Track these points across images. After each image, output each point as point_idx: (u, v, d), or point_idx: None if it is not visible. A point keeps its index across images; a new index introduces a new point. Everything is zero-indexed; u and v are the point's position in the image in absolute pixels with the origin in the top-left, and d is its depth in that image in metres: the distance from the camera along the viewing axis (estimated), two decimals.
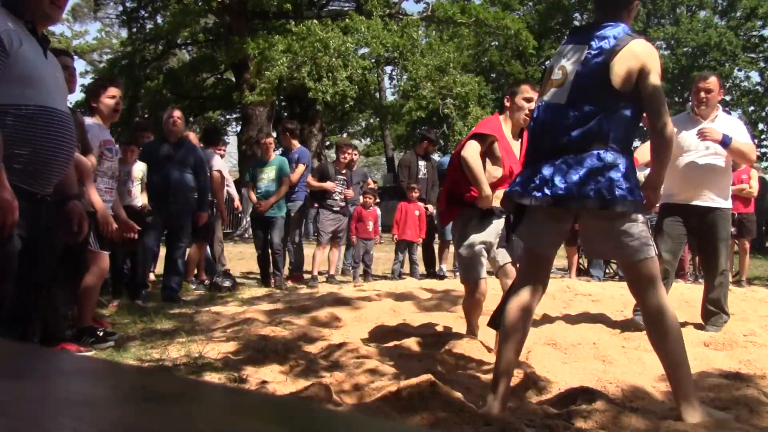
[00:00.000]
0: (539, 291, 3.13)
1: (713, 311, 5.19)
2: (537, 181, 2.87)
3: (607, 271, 10.38)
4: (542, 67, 34.09)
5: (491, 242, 4.37)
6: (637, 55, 2.83)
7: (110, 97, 4.83)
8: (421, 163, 9.70)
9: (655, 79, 2.83)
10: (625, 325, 5.27)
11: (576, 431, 2.60)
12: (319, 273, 8.85)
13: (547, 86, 3.05)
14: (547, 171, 2.86)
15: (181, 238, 6.84)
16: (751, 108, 29.46)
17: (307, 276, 8.86)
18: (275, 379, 3.50)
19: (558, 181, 2.81)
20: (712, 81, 5.33)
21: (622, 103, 2.86)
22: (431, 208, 9.58)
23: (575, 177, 2.79)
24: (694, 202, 5.10)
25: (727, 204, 5.24)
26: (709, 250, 5.23)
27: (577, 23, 32.57)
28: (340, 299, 6.12)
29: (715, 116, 5.27)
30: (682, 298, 6.99)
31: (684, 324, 5.28)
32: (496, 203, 4.06)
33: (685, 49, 27.88)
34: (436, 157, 11.99)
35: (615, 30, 2.91)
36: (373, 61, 17.14)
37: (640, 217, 2.87)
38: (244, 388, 3.32)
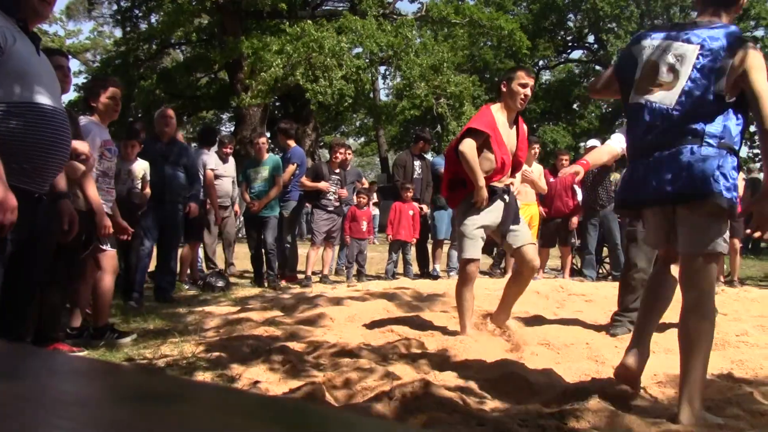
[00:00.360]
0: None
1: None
2: (647, 183, 2.92)
3: (600, 271, 10.39)
4: (536, 67, 34.21)
5: (490, 225, 4.55)
6: (746, 59, 2.81)
7: (110, 97, 4.82)
8: (416, 163, 9.70)
9: (762, 82, 2.79)
10: None
11: (569, 431, 2.60)
12: (313, 273, 8.84)
13: (653, 85, 2.98)
14: (655, 172, 2.88)
15: (174, 237, 6.83)
16: None
17: (300, 276, 8.87)
18: (268, 379, 3.50)
19: (667, 179, 2.83)
20: None
21: (721, 106, 2.84)
22: (426, 208, 9.58)
23: (680, 174, 2.80)
24: None
25: None
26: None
27: (570, 24, 32.66)
28: (334, 299, 6.11)
29: None
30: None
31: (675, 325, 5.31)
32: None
33: None
34: (429, 156, 11.96)
35: (726, 31, 2.89)
36: (367, 60, 17.14)
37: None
38: (238, 387, 3.32)
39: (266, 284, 8.17)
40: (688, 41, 2.93)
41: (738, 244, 9.80)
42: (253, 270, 8.63)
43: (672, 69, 2.93)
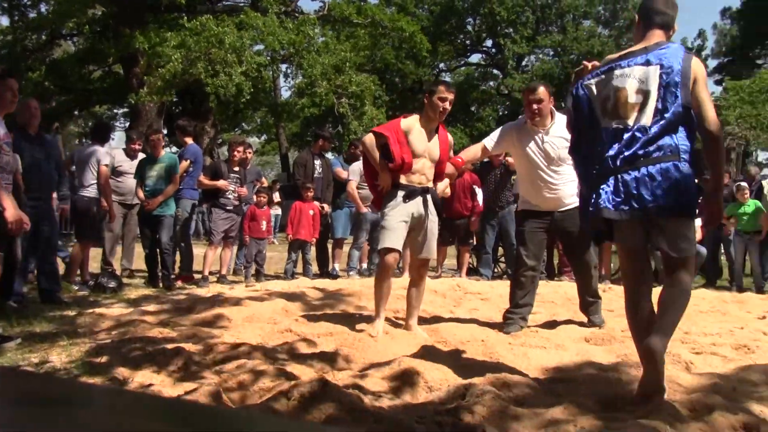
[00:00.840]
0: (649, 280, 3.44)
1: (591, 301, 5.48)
2: (623, 196, 3.15)
3: (495, 270, 10.66)
4: (436, 69, 34.75)
5: (409, 221, 4.89)
6: (696, 70, 3.14)
7: (8, 90, 4.59)
8: (317, 162, 9.69)
9: (706, 90, 3.21)
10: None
11: (464, 426, 2.66)
12: (210, 273, 8.69)
13: (625, 109, 3.22)
14: (631, 185, 3.13)
15: (52, 234, 6.54)
16: None
17: (197, 276, 8.69)
18: (162, 382, 3.42)
19: (645, 194, 3.10)
20: (542, 91, 5.58)
21: (689, 117, 3.15)
22: (327, 208, 9.58)
23: (659, 189, 3.08)
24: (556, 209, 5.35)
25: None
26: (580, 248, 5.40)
27: (469, 28, 33.32)
28: (231, 299, 6.03)
29: (551, 124, 5.49)
30: (566, 296, 7.30)
31: (569, 321, 5.53)
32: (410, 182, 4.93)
33: (570, 57, 29.00)
34: (330, 156, 11.99)
35: (677, 48, 3.22)
36: (268, 57, 16.96)
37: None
38: (130, 390, 3.23)
39: (161, 285, 7.97)
40: (648, 63, 3.20)
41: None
42: (147, 270, 8.40)
43: (640, 91, 3.19)
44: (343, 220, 9.71)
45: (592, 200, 3.28)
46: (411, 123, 4.96)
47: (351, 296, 6.56)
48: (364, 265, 9.86)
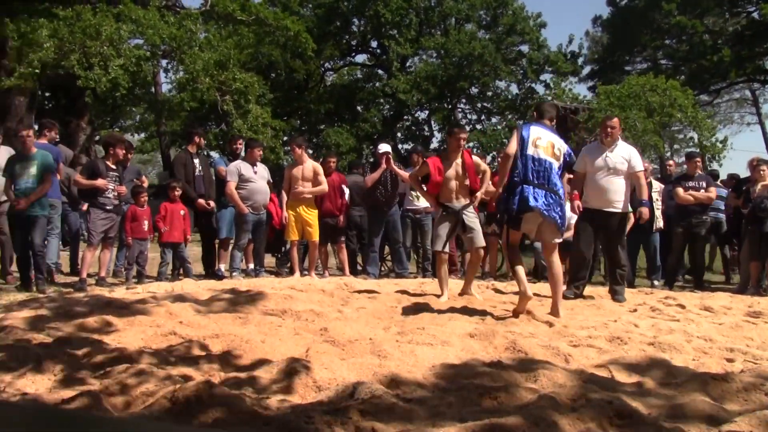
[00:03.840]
0: None
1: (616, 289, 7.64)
2: (539, 200, 5.72)
3: (382, 269, 10.79)
4: (321, 68, 34.69)
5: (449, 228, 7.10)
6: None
7: None
8: (196, 161, 9.50)
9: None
10: (399, 320, 5.53)
11: (354, 425, 2.68)
12: (88, 275, 8.34)
13: (545, 149, 5.82)
14: (543, 196, 5.74)
15: None
16: (510, 116, 32.01)
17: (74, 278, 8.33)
18: (38, 389, 3.26)
19: (546, 202, 5.74)
20: (615, 120, 7.78)
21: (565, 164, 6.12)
22: (212, 204, 9.41)
23: (552, 200, 5.77)
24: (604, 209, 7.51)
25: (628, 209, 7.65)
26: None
27: (354, 29, 33.54)
28: (112, 302, 5.83)
29: (618, 145, 7.56)
30: (454, 291, 7.48)
31: (453, 318, 5.66)
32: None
33: (453, 59, 29.63)
34: (214, 155, 11.77)
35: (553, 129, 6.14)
36: (148, 52, 16.41)
37: None
38: (3, 399, 3.05)
39: (35, 288, 7.58)
40: (550, 131, 6.02)
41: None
42: (19, 273, 7.97)
43: (550, 143, 5.90)
44: (227, 220, 9.55)
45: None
46: (443, 159, 7.12)
47: (237, 297, 6.46)
48: (251, 266, 9.75)
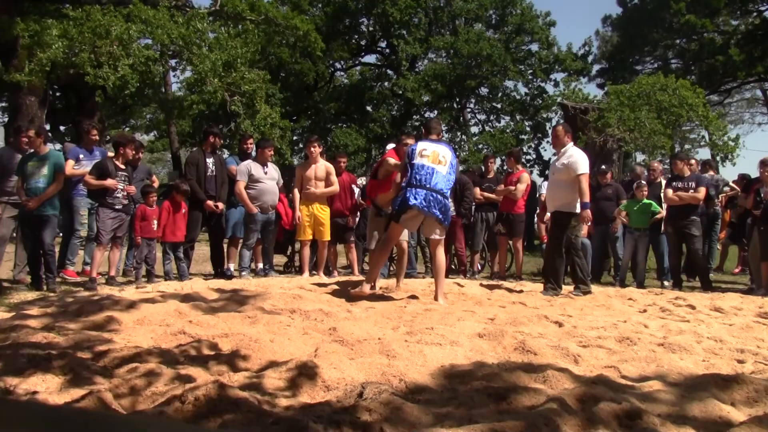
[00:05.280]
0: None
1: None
2: (425, 201, 6.66)
3: (391, 269, 10.80)
4: (331, 68, 34.72)
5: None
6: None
7: None
8: (209, 161, 9.49)
9: None
10: (408, 320, 5.52)
11: (362, 425, 2.68)
12: (99, 274, 8.37)
13: (429, 158, 6.81)
14: (423, 196, 6.66)
15: None
16: (519, 117, 31.92)
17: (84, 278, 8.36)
18: (48, 389, 3.27)
19: (426, 200, 6.66)
20: (557, 129, 8.41)
21: None
22: (221, 206, 9.42)
23: (431, 199, 6.69)
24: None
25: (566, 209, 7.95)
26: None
27: (363, 28, 33.53)
28: (122, 302, 5.84)
29: (563, 151, 8.12)
30: (460, 291, 7.47)
31: (463, 318, 5.65)
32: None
33: (461, 58, 29.58)
34: (226, 154, 11.79)
35: (445, 144, 7.17)
36: (158, 51, 16.44)
37: None
38: (13, 399, 3.06)
39: (45, 287, 7.62)
40: (439, 143, 7.06)
41: (519, 243, 10.65)
42: (30, 272, 8.00)
43: (443, 155, 6.91)
44: (237, 218, 9.57)
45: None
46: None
47: (246, 296, 6.47)
48: (260, 265, 9.77)
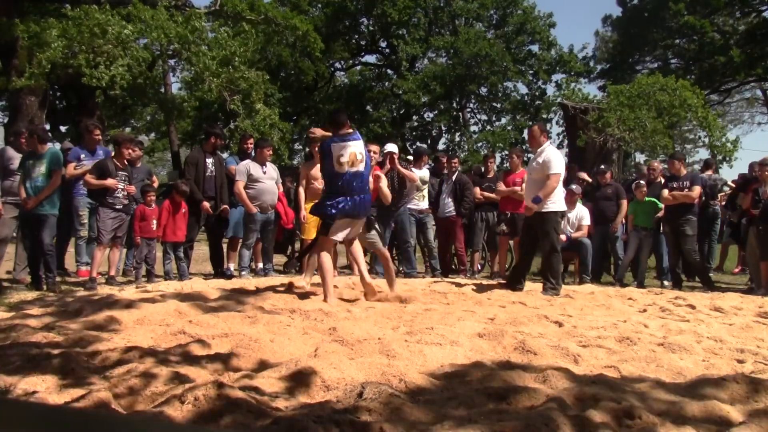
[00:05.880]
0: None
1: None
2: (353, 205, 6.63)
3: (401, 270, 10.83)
4: (331, 68, 34.72)
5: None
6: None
7: None
8: (209, 161, 9.49)
9: None
10: (408, 320, 5.52)
11: (362, 425, 2.67)
12: (99, 274, 8.37)
13: (348, 163, 6.58)
14: (357, 201, 6.65)
15: None
16: (519, 117, 31.94)
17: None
18: (47, 389, 3.26)
19: (363, 206, 6.75)
20: (533, 128, 8.48)
21: None
22: (226, 208, 9.43)
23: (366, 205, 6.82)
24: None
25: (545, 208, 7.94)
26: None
27: (363, 28, 33.54)
28: (121, 301, 5.84)
29: (540, 151, 8.16)
30: (460, 291, 7.47)
31: (462, 317, 5.64)
32: None
33: (461, 59, 29.59)
34: (226, 155, 11.78)
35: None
36: (157, 51, 16.43)
37: None
38: (11, 399, 3.06)
39: (45, 287, 7.61)
40: (357, 139, 6.76)
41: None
42: (30, 272, 8.00)
43: (361, 153, 6.68)
44: (236, 219, 9.57)
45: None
46: None
47: (246, 296, 6.48)
48: (260, 265, 9.77)
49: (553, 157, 8.08)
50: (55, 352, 3.84)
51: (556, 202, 8.05)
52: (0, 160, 8.54)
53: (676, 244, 9.86)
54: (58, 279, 8.14)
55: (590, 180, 11.79)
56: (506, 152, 19.06)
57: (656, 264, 10.48)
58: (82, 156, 9.15)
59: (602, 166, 11.41)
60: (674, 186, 9.80)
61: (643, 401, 3.05)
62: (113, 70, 14.25)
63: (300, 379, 3.39)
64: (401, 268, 10.43)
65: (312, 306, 5.91)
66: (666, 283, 9.92)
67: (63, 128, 26.06)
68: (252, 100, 17.06)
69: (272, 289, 7.21)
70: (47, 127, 13.05)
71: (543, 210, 7.93)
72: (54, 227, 7.98)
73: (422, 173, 10.55)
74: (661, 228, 10.10)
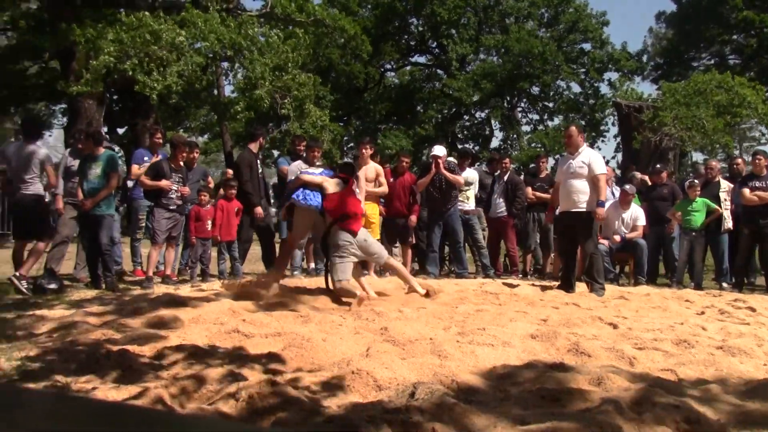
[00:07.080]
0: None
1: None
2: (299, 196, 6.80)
3: (442, 269, 10.81)
4: (381, 69, 34.80)
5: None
6: None
7: None
8: (257, 162, 9.61)
9: None
10: (459, 321, 5.49)
11: (414, 425, 2.67)
12: (155, 273, 8.53)
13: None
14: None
15: None
16: (572, 116, 31.52)
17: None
18: (106, 385, 3.34)
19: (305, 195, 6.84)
20: (571, 129, 8.40)
21: None
22: (273, 210, 9.54)
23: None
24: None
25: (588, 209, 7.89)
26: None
27: (413, 29, 33.53)
28: (177, 300, 5.94)
29: (580, 151, 8.08)
30: (511, 292, 7.40)
31: (515, 318, 5.60)
32: None
33: (512, 57, 29.35)
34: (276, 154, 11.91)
35: None
36: (210, 56, 16.67)
37: None
38: (72, 395, 3.13)
39: (104, 286, 7.79)
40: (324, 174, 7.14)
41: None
42: (89, 271, 8.20)
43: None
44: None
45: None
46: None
47: (298, 296, 6.53)
48: (312, 265, 9.84)
49: (596, 157, 8.11)
50: (114, 349, 3.92)
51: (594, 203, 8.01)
52: (62, 162, 8.81)
53: (751, 246, 9.55)
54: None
55: (647, 180, 11.55)
56: (560, 154, 18.77)
57: (715, 266, 10.21)
58: (146, 158, 9.35)
59: (658, 166, 11.17)
60: (757, 185, 9.35)
61: (703, 405, 2.98)
62: (168, 79, 14.49)
63: (352, 379, 3.40)
64: (453, 269, 10.41)
65: (363, 305, 5.93)
66: (725, 285, 9.62)
67: (120, 130, 26.66)
68: (303, 102, 17.19)
69: (324, 289, 7.25)
70: (105, 129, 13.34)
71: (584, 210, 7.92)
72: (111, 227, 8.15)
73: (468, 174, 10.51)
74: (723, 227, 9.77)
